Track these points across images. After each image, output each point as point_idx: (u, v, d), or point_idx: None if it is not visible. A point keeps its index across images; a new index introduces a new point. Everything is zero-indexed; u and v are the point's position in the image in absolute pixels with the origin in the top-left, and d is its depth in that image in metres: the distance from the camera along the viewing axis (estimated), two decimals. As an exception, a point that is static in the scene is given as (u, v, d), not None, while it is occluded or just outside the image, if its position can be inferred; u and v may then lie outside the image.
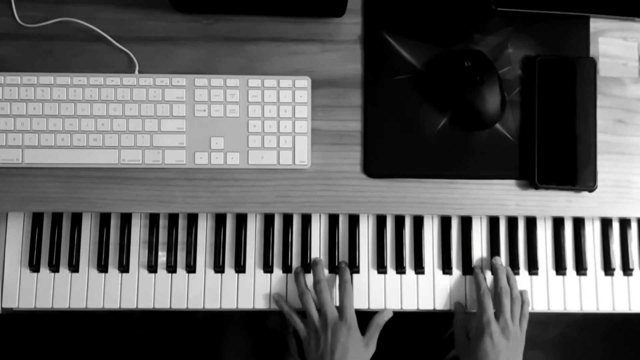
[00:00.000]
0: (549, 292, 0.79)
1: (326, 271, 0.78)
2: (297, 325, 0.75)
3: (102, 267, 0.77)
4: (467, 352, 0.75)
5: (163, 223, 0.78)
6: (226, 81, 0.74)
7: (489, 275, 0.78)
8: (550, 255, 0.80)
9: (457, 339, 0.78)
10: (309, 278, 0.77)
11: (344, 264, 0.77)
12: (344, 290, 0.74)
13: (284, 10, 0.76)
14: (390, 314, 0.77)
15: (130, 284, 0.77)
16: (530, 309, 0.77)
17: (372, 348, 0.75)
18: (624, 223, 0.81)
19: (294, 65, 0.76)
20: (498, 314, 0.74)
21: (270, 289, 0.78)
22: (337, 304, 0.76)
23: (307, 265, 0.78)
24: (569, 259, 0.80)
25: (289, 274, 0.78)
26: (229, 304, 0.77)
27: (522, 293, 0.77)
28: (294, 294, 0.77)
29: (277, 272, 0.78)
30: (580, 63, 0.77)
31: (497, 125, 0.77)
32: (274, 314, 0.78)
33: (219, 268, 0.77)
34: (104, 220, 0.77)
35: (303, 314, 0.75)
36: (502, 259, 0.79)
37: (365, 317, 0.76)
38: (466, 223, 0.80)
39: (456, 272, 0.79)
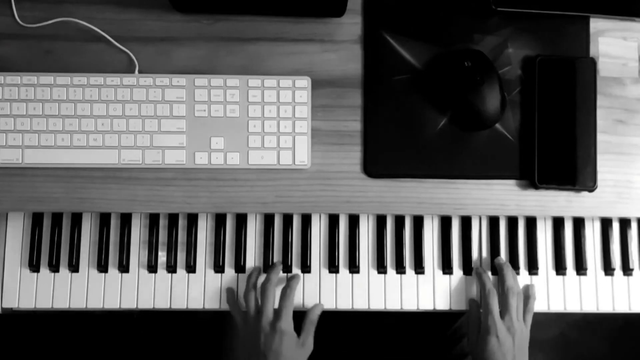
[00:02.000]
0: (549, 292, 0.79)
1: (325, 271, 0.78)
2: (238, 322, 0.75)
3: (102, 267, 0.77)
4: (477, 351, 0.75)
5: (163, 223, 0.78)
6: (226, 81, 0.74)
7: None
8: (550, 255, 0.80)
9: (470, 337, 0.78)
10: (310, 278, 0.77)
11: (296, 275, 0.77)
12: (285, 294, 0.74)
13: (284, 10, 0.76)
14: (322, 308, 0.76)
15: (130, 284, 0.77)
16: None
17: (309, 346, 0.74)
18: (624, 223, 0.81)
19: (294, 65, 0.76)
20: (504, 312, 0.74)
21: (270, 289, 0.78)
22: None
23: (308, 266, 0.78)
24: (569, 259, 0.80)
25: (288, 275, 0.78)
26: (229, 304, 0.77)
27: (528, 287, 0.78)
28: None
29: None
30: (580, 63, 0.77)
31: (497, 125, 0.77)
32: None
33: (219, 268, 0.78)
34: (104, 220, 0.77)
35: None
36: (502, 259, 0.79)
37: (363, 318, 0.76)
38: (466, 223, 0.80)
39: (456, 272, 0.79)
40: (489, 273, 0.78)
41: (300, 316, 0.75)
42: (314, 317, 0.75)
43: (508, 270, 0.77)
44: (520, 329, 0.74)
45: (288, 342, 0.71)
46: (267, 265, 0.77)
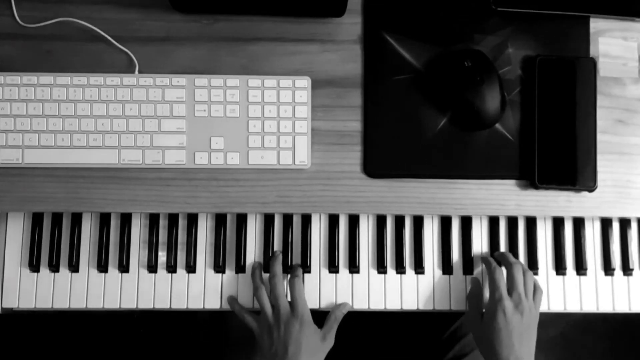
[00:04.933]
0: (549, 292, 0.79)
1: (325, 271, 0.78)
2: (249, 323, 0.75)
3: (102, 267, 0.77)
4: (479, 329, 0.74)
5: (163, 223, 0.78)
6: (226, 81, 0.74)
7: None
8: (550, 255, 0.80)
9: (469, 316, 0.77)
10: (310, 278, 0.77)
11: (296, 265, 0.77)
12: (293, 284, 0.74)
13: (284, 10, 0.76)
14: (349, 307, 0.76)
15: (130, 284, 0.77)
16: None
17: (330, 341, 0.74)
18: (624, 223, 0.81)
19: (294, 65, 0.76)
20: (511, 289, 0.73)
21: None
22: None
23: (308, 266, 0.78)
24: (569, 259, 0.80)
25: (289, 275, 0.78)
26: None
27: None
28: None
29: (277, 272, 0.78)
30: (580, 63, 0.77)
31: (497, 125, 0.77)
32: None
33: (219, 268, 0.77)
34: (104, 220, 0.77)
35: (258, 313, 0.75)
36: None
37: (363, 318, 0.76)
38: (466, 223, 0.80)
39: (456, 272, 0.79)
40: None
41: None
42: (339, 314, 0.75)
43: (508, 254, 0.77)
44: (529, 307, 0.72)
45: (308, 331, 0.72)
46: (267, 266, 0.77)
